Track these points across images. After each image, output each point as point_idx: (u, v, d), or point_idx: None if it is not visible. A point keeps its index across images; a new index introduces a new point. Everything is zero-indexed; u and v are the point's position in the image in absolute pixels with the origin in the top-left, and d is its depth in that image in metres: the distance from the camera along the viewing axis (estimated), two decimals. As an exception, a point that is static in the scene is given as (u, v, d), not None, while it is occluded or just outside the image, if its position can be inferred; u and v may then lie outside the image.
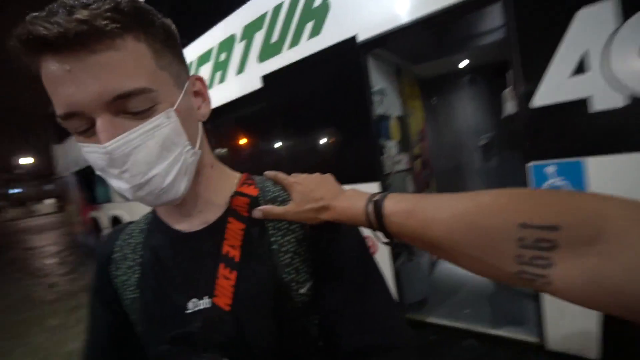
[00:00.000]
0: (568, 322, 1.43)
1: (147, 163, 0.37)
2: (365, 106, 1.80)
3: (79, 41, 0.31)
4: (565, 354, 1.47)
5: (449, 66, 2.87)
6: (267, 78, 2.27)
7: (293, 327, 0.44)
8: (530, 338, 1.63)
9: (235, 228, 0.45)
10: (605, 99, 1.21)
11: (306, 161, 2.15)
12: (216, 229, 0.45)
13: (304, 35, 2.01)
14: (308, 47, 1.99)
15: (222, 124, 2.89)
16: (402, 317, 0.47)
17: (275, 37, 2.17)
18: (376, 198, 0.40)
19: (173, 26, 0.41)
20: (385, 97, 2.16)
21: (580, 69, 1.24)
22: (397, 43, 2.01)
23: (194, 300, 0.43)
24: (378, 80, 2.11)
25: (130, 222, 0.55)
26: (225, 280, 0.42)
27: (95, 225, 5.98)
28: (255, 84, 2.34)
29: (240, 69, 2.45)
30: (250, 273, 0.43)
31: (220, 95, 2.58)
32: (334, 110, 2.02)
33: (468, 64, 2.88)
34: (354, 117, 1.88)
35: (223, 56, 2.58)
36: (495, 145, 3.00)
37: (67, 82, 0.33)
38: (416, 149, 2.62)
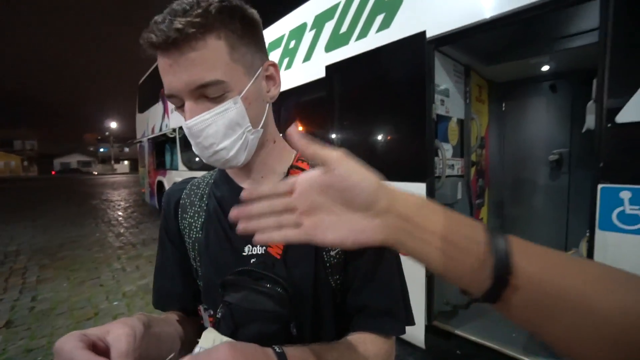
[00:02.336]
0: None
1: (215, 138, 0.48)
2: (425, 104, 1.76)
3: (175, 45, 0.42)
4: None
5: (527, 70, 2.63)
6: (330, 68, 2.33)
7: (322, 280, 0.52)
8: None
9: None
10: None
11: (356, 152, 2.17)
12: None
13: (372, 28, 2.01)
14: (376, 39, 2.00)
15: (283, 109, 3.03)
16: (405, 294, 0.55)
17: (344, 28, 2.20)
18: (496, 240, 0.28)
19: (254, 17, 0.49)
20: (448, 98, 2.08)
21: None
22: (468, 41, 1.91)
23: (249, 246, 0.53)
24: (444, 78, 2.04)
25: (193, 177, 0.66)
26: None
27: (160, 188, 6.74)
28: (320, 73, 2.41)
29: (307, 57, 2.54)
30: None
31: (285, 81, 2.71)
32: (393, 105, 2.01)
33: (550, 69, 2.61)
34: (412, 113, 1.86)
35: (292, 43, 2.69)
36: (568, 162, 2.70)
37: (169, 73, 0.45)
38: (474, 156, 2.48)
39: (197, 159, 4.98)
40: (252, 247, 0.53)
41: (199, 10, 0.42)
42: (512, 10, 1.43)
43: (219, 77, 0.45)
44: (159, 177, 6.63)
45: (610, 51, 1.21)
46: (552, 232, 2.85)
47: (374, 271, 0.53)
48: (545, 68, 2.57)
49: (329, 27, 2.32)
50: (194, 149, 0.51)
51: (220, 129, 0.47)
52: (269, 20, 2.90)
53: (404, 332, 0.52)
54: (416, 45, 1.75)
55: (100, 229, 6.52)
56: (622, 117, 1.20)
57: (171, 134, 5.56)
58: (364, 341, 0.49)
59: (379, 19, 1.97)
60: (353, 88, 2.25)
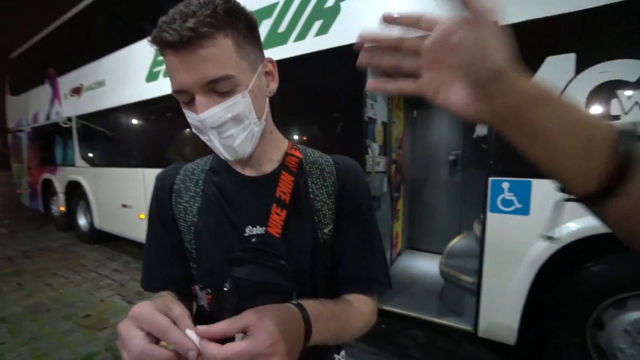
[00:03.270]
0: (497, 315, 1.71)
1: (226, 130, 0.52)
2: (360, 107, 1.97)
3: (188, 43, 0.46)
4: (491, 340, 1.76)
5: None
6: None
7: (318, 255, 0.60)
8: (466, 327, 1.90)
9: (286, 179, 0.60)
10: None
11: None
12: (272, 178, 0.60)
13: (311, 32, 2.14)
14: (314, 43, 2.12)
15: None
16: (386, 263, 0.67)
17: (282, 28, 2.27)
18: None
19: (253, 17, 0.55)
20: (376, 102, 2.36)
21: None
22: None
23: (249, 227, 0.57)
24: (372, 86, 2.31)
25: (184, 164, 0.67)
26: (277, 216, 0.57)
27: (47, 187, 5.57)
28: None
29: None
30: (296, 212, 0.58)
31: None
32: (330, 106, 2.17)
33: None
34: (347, 115, 2.05)
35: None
36: (462, 162, 3.34)
37: (180, 70, 0.48)
38: (394, 155, 2.85)
39: (93, 153, 4.31)
40: (253, 227, 0.57)
41: (208, 11, 0.46)
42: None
43: (229, 72, 0.48)
44: (46, 175, 5.48)
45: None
46: (449, 218, 3.48)
47: (363, 244, 0.63)
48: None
49: (266, 24, 2.36)
50: (203, 138, 0.54)
51: (230, 121, 0.52)
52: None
53: (386, 293, 0.63)
54: (354, 54, 1.94)
55: (-47, 241, 5.05)
56: (504, 126, 1.60)
57: (65, 123, 4.67)
58: (357, 300, 0.60)
59: (318, 24, 2.11)
60: (292, 87, 2.34)
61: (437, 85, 0.32)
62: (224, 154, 0.55)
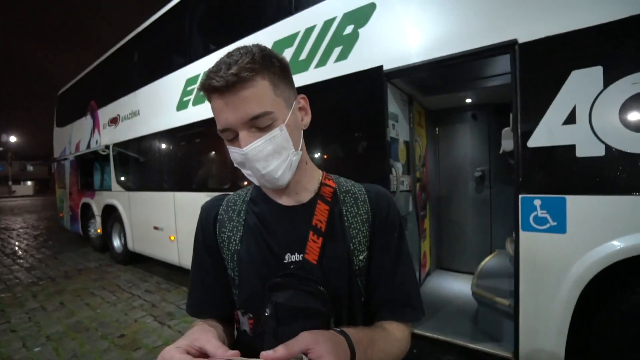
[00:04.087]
0: (540, 340, 1.60)
1: (266, 161, 0.57)
2: (382, 128, 2.00)
3: (232, 86, 0.52)
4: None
5: (454, 101, 3.14)
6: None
7: (354, 281, 0.62)
8: (505, 353, 1.79)
9: (322, 208, 0.63)
10: (588, 147, 1.43)
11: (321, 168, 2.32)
12: (308, 207, 0.64)
13: (331, 58, 2.23)
14: (334, 69, 2.21)
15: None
16: (418, 289, 0.68)
17: (303, 56, 2.38)
18: None
19: (286, 61, 0.61)
20: (398, 123, 2.38)
21: (571, 119, 1.46)
22: (412, 75, 2.25)
23: (288, 254, 0.61)
24: (393, 106, 2.34)
25: (227, 194, 0.72)
26: (314, 243, 0.60)
27: (85, 212, 5.94)
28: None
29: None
30: (332, 240, 0.61)
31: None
32: (353, 128, 2.22)
33: (472, 101, 3.16)
34: (370, 136, 2.09)
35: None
36: (489, 177, 3.24)
37: (225, 110, 0.54)
38: (418, 173, 2.83)
39: (127, 178, 4.59)
40: (291, 255, 0.60)
41: (247, 59, 0.53)
42: (449, 55, 1.76)
43: (267, 109, 0.54)
44: (85, 200, 5.86)
45: (520, 92, 1.58)
46: (479, 236, 3.35)
47: (396, 269, 0.64)
48: (469, 100, 3.10)
49: (288, 53, 2.48)
50: (245, 172, 0.59)
51: (270, 153, 0.57)
52: (227, 43, 2.95)
53: (420, 320, 0.65)
54: (375, 77, 2.01)
55: (2, 262, 5.44)
56: (532, 142, 1.56)
57: (103, 151, 5.04)
58: (391, 326, 0.61)
59: (337, 50, 2.20)
60: (315, 112, 2.42)
61: None
62: (265, 183, 0.59)
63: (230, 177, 3.06)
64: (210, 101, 0.56)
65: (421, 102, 3.02)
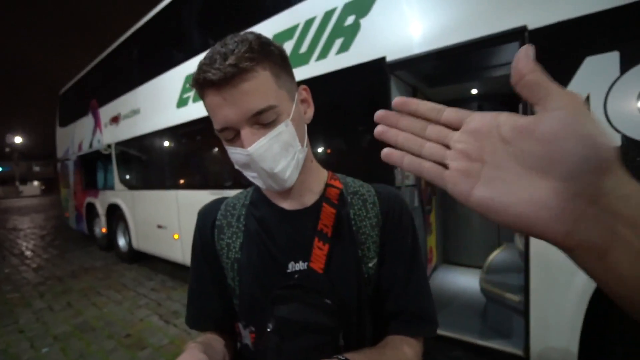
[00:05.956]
0: (551, 336, 1.56)
1: (274, 160, 0.51)
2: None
3: (230, 79, 0.46)
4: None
5: (460, 92, 3.06)
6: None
7: (363, 290, 0.57)
8: (516, 350, 1.75)
9: (328, 211, 0.58)
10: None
11: (326, 165, 2.28)
12: (313, 210, 0.58)
13: (332, 50, 2.16)
14: (335, 61, 2.14)
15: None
16: (432, 298, 0.61)
17: (304, 49, 2.32)
18: None
19: (284, 49, 0.55)
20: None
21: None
22: (416, 67, 2.17)
23: (292, 262, 0.55)
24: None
25: (225, 198, 0.67)
26: (319, 250, 0.54)
27: (90, 211, 5.96)
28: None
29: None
30: (339, 247, 0.56)
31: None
32: (357, 121, 2.16)
33: (478, 92, 3.07)
34: (374, 129, 2.03)
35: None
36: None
37: (224, 106, 0.48)
38: (422, 166, 2.77)
39: (130, 176, 4.58)
40: (295, 263, 0.55)
41: (245, 48, 0.46)
42: (455, 44, 1.69)
43: (271, 103, 0.48)
44: (89, 199, 5.88)
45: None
46: (485, 229, 3.29)
47: (409, 277, 0.59)
48: (475, 91, 3.02)
49: (288, 46, 2.42)
50: (248, 175, 0.54)
51: (277, 151, 0.51)
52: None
53: (435, 333, 0.58)
54: (378, 68, 1.94)
55: (10, 262, 5.50)
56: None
57: (105, 150, 5.02)
58: (402, 343, 0.55)
59: (338, 42, 2.13)
60: (317, 105, 2.36)
61: (487, 179, 0.24)
62: (272, 184, 0.53)
63: (232, 175, 3.02)
64: (204, 98, 0.50)
65: (426, 94, 2.94)
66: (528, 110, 1.54)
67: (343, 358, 0.46)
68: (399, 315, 0.58)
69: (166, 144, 3.91)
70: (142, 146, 4.28)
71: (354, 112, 2.19)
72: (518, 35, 1.53)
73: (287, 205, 0.60)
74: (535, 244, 1.56)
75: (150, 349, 2.45)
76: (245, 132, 0.49)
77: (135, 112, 4.30)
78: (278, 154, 0.51)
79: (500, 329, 1.98)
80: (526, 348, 1.63)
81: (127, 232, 4.82)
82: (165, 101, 3.70)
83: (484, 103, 3.17)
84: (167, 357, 2.31)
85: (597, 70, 1.36)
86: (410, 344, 0.56)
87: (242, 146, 0.50)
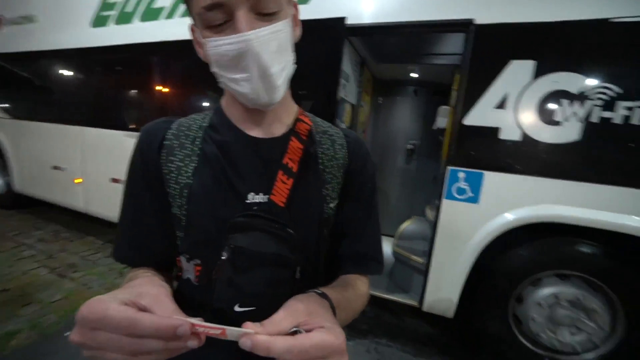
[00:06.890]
0: (441, 292, 1.89)
1: (270, 59, 0.45)
2: (334, 85, 1.94)
3: None
4: (431, 315, 1.95)
5: (401, 73, 3.23)
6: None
7: (322, 229, 0.57)
8: (412, 302, 2.07)
9: (296, 146, 0.54)
10: (509, 131, 1.63)
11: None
12: (280, 143, 0.55)
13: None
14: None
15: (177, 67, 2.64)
16: (381, 239, 0.66)
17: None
18: None
19: None
20: (348, 83, 2.35)
21: (502, 105, 1.63)
22: (369, 37, 2.20)
23: (252, 193, 0.51)
24: (346, 65, 2.28)
25: (176, 117, 0.58)
26: (283, 184, 0.52)
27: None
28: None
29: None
30: (303, 183, 0.54)
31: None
32: (304, 81, 2.10)
33: (417, 77, 3.29)
34: (321, 93, 2.02)
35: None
36: (418, 151, 3.53)
37: None
38: (358, 138, 2.91)
39: (16, 102, 3.68)
40: (255, 195, 0.51)
41: None
42: (409, 21, 1.76)
43: None
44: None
45: (468, 72, 1.69)
46: (401, 203, 3.70)
47: (367, 222, 0.61)
48: (414, 75, 3.23)
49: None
50: (233, 75, 0.46)
51: (274, 50, 0.45)
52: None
53: (381, 273, 0.63)
54: (335, 29, 1.90)
55: None
56: (467, 121, 1.71)
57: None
58: (357, 281, 0.59)
59: (297, -8, 2.00)
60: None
61: None
62: (259, 93, 0.47)
63: (158, 115, 2.68)
64: None
65: (371, 68, 3.03)
66: (461, 98, 1.72)
67: (320, 292, 0.46)
68: (354, 256, 0.60)
69: (74, 69, 3.21)
70: (38, 66, 3.43)
71: (302, 70, 2.11)
72: (465, 26, 1.67)
73: (254, 132, 0.55)
74: (444, 218, 1.82)
75: (36, 305, 2.14)
76: (244, 14, 0.42)
77: (29, 19, 3.39)
78: (275, 54, 0.45)
79: (403, 285, 2.30)
80: (421, 300, 1.95)
81: (5, 171, 3.93)
82: (74, 15, 3.00)
83: (421, 89, 3.44)
84: (59, 314, 2.05)
85: (517, 73, 1.59)
86: (363, 281, 0.60)
87: (238, 31, 0.42)
